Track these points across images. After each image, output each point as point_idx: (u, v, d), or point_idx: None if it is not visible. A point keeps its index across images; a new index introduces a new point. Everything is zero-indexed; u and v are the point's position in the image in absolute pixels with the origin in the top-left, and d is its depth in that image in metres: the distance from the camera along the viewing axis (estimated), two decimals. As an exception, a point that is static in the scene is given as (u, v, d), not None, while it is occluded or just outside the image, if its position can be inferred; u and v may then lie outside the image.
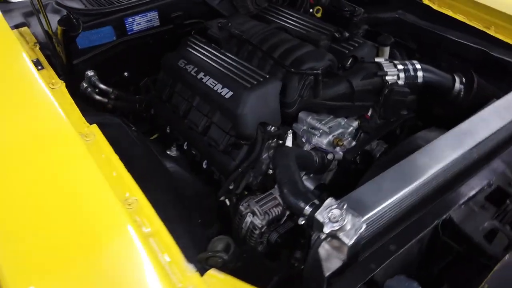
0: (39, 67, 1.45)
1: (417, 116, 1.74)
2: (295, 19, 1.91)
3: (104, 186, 0.99)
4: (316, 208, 1.02)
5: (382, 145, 1.59)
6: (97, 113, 1.63)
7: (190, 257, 0.96)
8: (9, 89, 1.27)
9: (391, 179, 1.07)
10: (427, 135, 1.40)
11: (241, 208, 1.49)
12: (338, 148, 1.49)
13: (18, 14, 1.77)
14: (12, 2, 1.86)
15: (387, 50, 1.76)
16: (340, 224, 0.94)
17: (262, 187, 1.58)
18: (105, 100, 1.79)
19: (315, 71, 1.45)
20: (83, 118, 1.27)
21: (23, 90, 1.27)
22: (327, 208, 0.97)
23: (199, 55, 1.68)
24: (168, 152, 1.70)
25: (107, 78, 1.85)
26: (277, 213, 1.45)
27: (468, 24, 1.87)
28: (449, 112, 1.69)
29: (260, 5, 2.08)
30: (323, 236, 0.95)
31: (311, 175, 1.54)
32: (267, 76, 1.48)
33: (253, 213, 1.45)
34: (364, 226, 0.94)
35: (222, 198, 1.53)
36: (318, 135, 1.48)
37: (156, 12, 1.87)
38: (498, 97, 1.42)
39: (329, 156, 1.44)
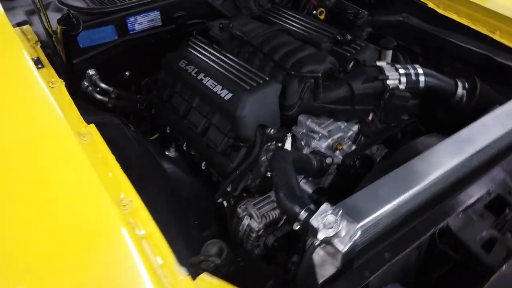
0: (39, 66, 1.45)
1: (419, 120, 1.72)
2: (297, 20, 1.90)
3: (98, 187, 0.98)
4: (311, 213, 1.01)
5: (382, 149, 1.57)
6: (97, 112, 1.62)
7: (183, 261, 0.96)
8: (7, 87, 1.27)
9: (388, 186, 1.06)
10: (427, 140, 1.39)
11: (239, 210, 1.48)
12: (337, 152, 1.48)
13: (20, 12, 1.77)
14: (15, -1, 1.86)
15: (389, 53, 1.75)
16: (335, 230, 0.93)
17: (260, 190, 1.57)
18: (106, 99, 1.79)
19: (315, 74, 1.44)
20: (81, 118, 1.26)
21: (21, 89, 1.28)
22: (322, 214, 0.97)
23: (200, 56, 1.68)
24: (167, 153, 1.70)
25: (109, 77, 1.85)
26: (274, 217, 1.44)
27: (472, 29, 1.85)
28: (452, 117, 1.68)
29: (263, 6, 2.08)
30: (317, 242, 0.94)
31: (310, 178, 1.53)
32: (267, 79, 1.48)
33: (250, 216, 1.44)
34: (359, 233, 0.93)
35: (219, 200, 1.52)
36: (317, 138, 1.47)
37: (158, 12, 1.86)
38: (501, 103, 1.40)
39: (328, 160, 1.43)
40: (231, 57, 1.63)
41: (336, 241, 0.93)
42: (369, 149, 1.54)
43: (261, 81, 1.46)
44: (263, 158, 1.51)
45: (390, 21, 2.11)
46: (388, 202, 1.00)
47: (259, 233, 1.43)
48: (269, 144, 1.50)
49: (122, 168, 1.10)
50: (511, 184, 1.17)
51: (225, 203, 1.55)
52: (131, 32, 1.84)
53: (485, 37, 1.81)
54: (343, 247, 0.92)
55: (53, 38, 1.48)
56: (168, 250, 0.93)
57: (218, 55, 1.65)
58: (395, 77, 1.49)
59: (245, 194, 1.59)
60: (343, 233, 0.93)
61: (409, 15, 2.06)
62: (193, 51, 1.71)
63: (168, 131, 1.82)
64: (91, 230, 0.90)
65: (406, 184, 1.05)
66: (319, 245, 0.95)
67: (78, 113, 1.28)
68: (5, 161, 1.05)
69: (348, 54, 1.66)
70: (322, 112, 1.54)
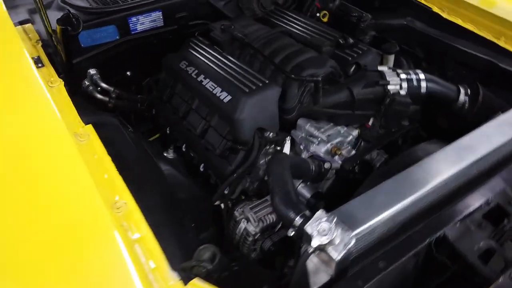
0: (40, 65, 1.45)
1: (420, 126, 1.71)
2: (300, 23, 1.88)
3: (91, 189, 0.98)
4: (306, 219, 1.00)
5: (382, 155, 1.56)
6: (96, 112, 1.62)
7: (176, 265, 0.95)
8: (5, 86, 1.27)
9: (384, 193, 1.04)
10: (428, 147, 1.37)
11: (236, 213, 1.48)
12: (336, 157, 1.47)
13: (23, 10, 1.78)
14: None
15: (391, 58, 1.73)
16: (329, 238, 0.92)
17: (258, 193, 1.56)
18: (106, 99, 1.78)
19: (315, 78, 1.43)
20: (79, 118, 1.26)
21: (20, 88, 1.27)
22: (316, 221, 0.96)
23: (200, 57, 1.67)
24: (165, 154, 1.70)
25: (110, 77, 1.84)
26: (271, 221, 1.43)
27: (477, 34, 1.83)
28: (453, 124, 1.66)
29: (266, 7, 2.07)
30: (310, 250, 0.93)
31: (308, 183, 1.52)
32: (267, 82, 1.47)
33: (247, 220, 1.43)
34: (353, 241, 0.92)
35: (217, 203, 1.51)
36: (316, 143, 1.46)
37: (160, 12, 1.86)
38: (504, 110, 1.38)
39: (326, 165, 1.42)
40: (232, 59, 1.62)
41: (330, 249, 0.92)
42: (369, 155, 1.53)
43: (260, 84, 1.45)
44: (262, 161, 1.50)
45: (394, 24, 2.09)
46: (384, 210, 0.99)
47: (256, 237, 1.42)
48: (268, 147, 1.49)
49: (118, 170, 1.10)
50: (511, 194, 1.15)
51: (222, 206, 1.54)
52: (132, 32, 1.83)
53: (490, 43, 1.78)
54: (337, 255, 0.91)
55: (53, 38, 1.48)
56: (160, 254, 0.92)
57: (219, 57, 1.64)
58: (396, 82, 1.48)
59: (243, 197, 1.59)
60: (337, 241, 0.92)
61: (414, 19, 2.04)
62: (194, 52, 1.70)
63: (168, 131, 1.82)
64: (83, 233, 0.90)
65: (403, 192, 1.04)
66: (313, 252, 0.94)
67: (76, 113, 1.28)
68: (-2, 161, 1.04)
69: (350, 58, 1.64)
70: (321, 116, 1.53)
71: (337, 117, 1.54)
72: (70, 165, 1.04)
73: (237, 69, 1.56)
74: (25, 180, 1.00)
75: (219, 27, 1.75)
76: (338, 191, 1.54)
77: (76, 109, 1.30)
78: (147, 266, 0.90)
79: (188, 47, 1.74)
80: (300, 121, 1.51)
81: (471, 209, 1.09)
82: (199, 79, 1.57)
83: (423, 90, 1.50)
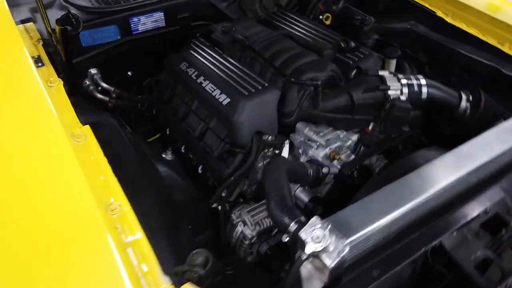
0: (40, 64, 1.46)
1: (422, 132, 1.69)
2: (302, 26, 1.88)
3: (85, 190, 0.97)
4: (301, 225, 1.00)
5: (382, 160, 1.54)
6: (96, 112, 1.62)
7: (169, 269, 0.95)
8: (4, 85, 1.27)
9: (381, 200, 1.03)
10: (427, 154, 1.36)
11: (233, 216, 1.47)
12: (335, 162, 1.46)
13: (25, 9, 1.78)
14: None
15: (393, 62, 1.72)
16: (323, 245, 0.91)
17: (256, 196, 1.55)
18: (107, 98, 1.78)
19: (314, 82, 1.42)
20: (77, 118, 1.26)
21: (18, 88, 1.27)
22: (311, 227, 0.95)
23: (201, 58, 1.67)
24: (163, 156, 1.69)
25: (111, 76, 1.84)
26: (268, 224, 1.43)
27: (481, 39, 1.81)
28: (455, 130, 1.64)
29: (269, 9, 2.06)
30: (304, 256, 0.93)
31: (307, 187, 1.51)
32: (266, 85, 1.46)
33: (244, 223, 1.43)
34: (347, 249, 0.91)
35: (214, 205, 1.51)
36: (315, 147, 1.45)
37: (162, 13, 1.85)
38: (506, 117, 1.36)
39: (324, 170, 1.41)
40: (232, 61, 1.62)
41: (324, 256, 0.91)
42: (368, 160, 1.51)
43: (260, 87, 1.45)
44: (260, 164, 1.49)
45: (398, 28, 2.08)
46: (380, 217, 0.98)
47: (252, 241, 1.42)
48: (266, 150, 1.48)
49: (114, 172, 1.09)
50: (510, 204, 1.14)
51: (220, 208, 1.54)
52: (134, 33, 1.83)
53: (494, 48, 1.77)
54: (330, 262, 0.90)
55: (53, 37, 1.48)
56: (153, 258, 0.92)
57: (219, 58, 1.63)
58: (397, 88, 1.46)
59: (241, 200, 1.58)
60: (331, 248, 0.91)
61: (417, 23, 2.03)
62: (194, 53, 1.70)
63: (167, 132, 1.82)
64: (74, 235, 0.89)
65: (400, 200, 1.03)
66: (306, 258, 0.93)
67: (74, 114, 1.27)
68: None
69: (351, 62, 1.63)
70: (321, 120, 1.52)
71: (336, 122, 1.52)
72: (65, 166, 1.03)
73: (237, 71, 1.55)
74: (18, 180, 1.00)
75: (220, 29, 1.74)
76: (337, 195, 1.53)
77: (75, 109, 1.30)
78: (139, 269, 0.89)
79: (189, 48, 1.74)
80: (299, 125, 1.50)
81: (469, 218, 1.08)
82: (199, 80, 1.57)
83: (424, 95, 1.48)
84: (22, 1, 1.83)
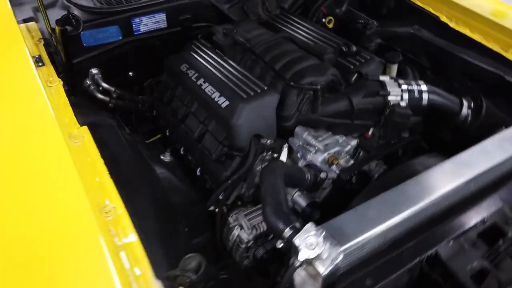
0: (40, 64, 1.46)
1: (423, 138, 1.68)
2: (304, 29, 1.87)
3: (79, 192, 0.97)
4: (295, 231, 0.99)
5: (381, 166, 1.53)
6: (95, 112, 1.62)
7: (162, 273, 0.94)
8: (3, 85, 1.27)
9: (377, 208, 1.02)
10: (426, 161, 1.35)
11: (230, 220, 1.47)
12: (334, 167, 1.45)
13: (28, 8, 1.79)
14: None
15: (394, 67, 1.71)
16: (317, 252, 0.90)
17: (254, 200, 1.55)
18: (107, 99, 1.79)
19: (314, 86, 1.41)
20: (75, 119, 1.26)
21: (17, 87, 1.27)
22: (305, 234, 0.94)
23: (201, 60, 1.66)
24: (162, 157, 1.69)
25: (112, 77, 1.85)
26: (265, 228, 1.42)
27: (485, 46, 1.80)
28: (455, 137, 1.63)
29: (271, 12, 2.05)
30: (297, 263, 0.92)
31: (305, 191, 1.50)
32: (265, 88, 1.45)
33: (241, 227, 1.42)
34: (341, 257, 0.90)
35: (211, 208, 1.50)
36: (313, 152, 1.44)
37: (164, 14, 1.85)
38: (508, 125, 1.35)
39: (322, 175, 1.40)
40: (232, 63, 1.62)
41: (317, 263, 0.90)
42: (368, 165, 1.50)
43: (259, 90, 1.44)
44: (258, 168, 1.48)
45: (401, 32, 2.07)
46: (376, 225, 0.97)
47: (249, 245, 1.41)
48: (265, 154, 1.48)
49: (111, 173, 1.09)
50: (509, 213, 1.13)
51: (217, 211, 1.53)
52: (135, 33, 1.83)
53: (497, 55, 1.75)
54: (323, 270, 0.89)
55: (53, 37, 1.48)
56: (146, 261, 0.91)
57: (220, 61, 1.63)
58: (397, 93, 1.45)
59: (239, 203, 1.57)
60: (325, 256, 0.90)
61: (421, 28, 2.01)
62: (195, 55, 1.70)
63: (167, 134, 1.82)
64: (66, 238, 0.89)
65: (396, 207, 1.01)
66: (300, 265, 0.93)
67: (72, 114, 1.27)
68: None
69: (352, 66, 1.62)
70: (320, 125, 1.51)
71: (336, 126, 1.51)
72: (60, 168, 1.03)
73: (237, 74, 1.55)
74: (11, 180, 0.99)
75: (221, 31, 1.74)
76: (335, 201, 1.52)
77: (74, 109, 1.30)
78: (132, 273, 0.89)
79: (189, 50, 1.74)
80: (298, 129, 1.50)
81: (466, 227, 1.07)
82: (198, 82, 1.57)
83: (425, 102, 1.47)
84: (25, 0, 1.83)
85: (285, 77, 1.48)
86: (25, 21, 1.70)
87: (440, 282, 1.05)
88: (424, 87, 1.48)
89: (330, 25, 2.10)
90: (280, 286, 0.99)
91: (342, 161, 1.46)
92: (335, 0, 2.15)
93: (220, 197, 1.48)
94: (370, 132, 1.53)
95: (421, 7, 2.02)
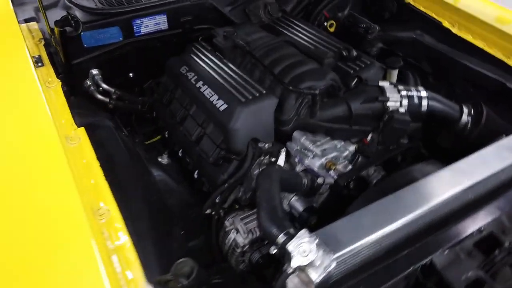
0: (39, 64, 1.46)
1: (423, 144, 1.67)
2: (305, 32, 1.86)
3: (73, 194, 0.97)
4: (289, 238, 0.98)
5: (379, 171, 1.52)
6: (95, 113, 1.63)
7: (154, 277, 0.94)
8: (1, 85, 1.27)
9: (372, 215, 1.01)
10: (424, 168, 1.33)
11: (226, 223, 1.46)
12: (331, 172, 1.44)
13: (30, 8, 1.79)
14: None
15: (394, 73, 1.70)
16: (309, 259, 0.90)
17: (251, 203, 1.54)
18: (107, 99, 1.79)
19: (312, 91, 1.41)
20: (72, 120, 1.26)
21: (15, 88, 1.27)
22: (299, 240, 0.94)
23: (201, 63, 1.66)
24: (159, 159, 1.69)
25: (113, 78, 1.85)
26: (261, 233, 1.41)
27: (487, 52, 1.78)
28: (456, 144, 1.62)
29: (273, 15, 2.05)
30: (290, 270, 0.91)
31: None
32: (264, 92, 1.45)
33: (237, 230, 1.42)
34: (334, 264, 0.89)
35: (207, 212, 1.50)
36: (311, 156, 1.43)
37: (165, 16, 1.85)
38: (508, 133, 1.34)
39: (319, 180, 1.39)
40: (232, 67, 1.61)
41: (310, 270, 0.90)
42: (366, 171, 1.49)
43: (257, 94, 1.44)
44: (256, 172, 1.48)
45: (403, 37, 2.06)
46: (370, 233, 0.96)
47: (244, 249, 1.40)
48: (262, 158, 1.47)
49: (106, 175, 1.08)
50: (507, 223, 1.11)
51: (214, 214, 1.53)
52: (136, 35, 1.83)
53: (499, 61, 1.74)
54: (316, 277, 0.89)
55: (52, 38, 1.48)
56: (138, 265, 0.91)
57: (219, 63, 1.63)
58: (396, 99, 1.44)
59: (237, 206, 1.57)
60: (318, 263, 0.90)
61: (423, 33, 2.00)
62: (195, 57, 1.70)
63: (166, 135, 1.82)
64: (57, 240, 0.88)
65: (392, 215, 1.01)
66: (292, 272, 0.92)
67: (70, 115, 1.27)
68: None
69: (352, 71, 1.62)
70: (318, 129, 1.50)
71: (334, 131, 1.51)
72: (54, 169, 1.03)
73: (236, 77, 1.54)
74: (4, 181, 0.99)
75: (222, 33, 1.73)
76: (333, 206, 1.51)
77: (73, 110, 1.30)
78: (123, 276, 0.89)
79: (190, 52, 1.74)
80: (296, 134, 1.49)
81: (462, 236, 1.06)
82: (197, 85, 1.57)
83: (424, 108, 1.46)
84: (27, 0, 1.84)
85: (284, 81, 1.47)
86: (26, 21, 1.71)
87: (436, 291, 1.04)
88: (423, 93, 1.47)
89: (332, 29, 2.09)
90: (273, 293, 0.98)
91: (340, 167, 1.45)
92: (337, 4, 2.15)
93: (217, 201, 1.47)
94: (369, 138, 1.52)
95: (424, 12, 2.01)
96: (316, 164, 1.41)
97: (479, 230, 1.07)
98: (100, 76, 1.79)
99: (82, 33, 1.62)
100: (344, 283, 0.95)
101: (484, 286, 1.01)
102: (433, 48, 1.94)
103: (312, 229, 0.95)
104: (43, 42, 1.58)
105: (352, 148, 1.51)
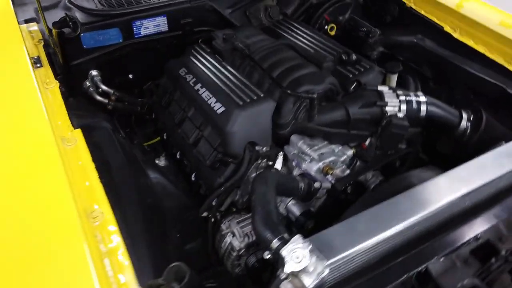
0: (38, 65, 1.46)
1: (422, 149, 1.66)
2: (305, 36, 1.86)
3: (66, 196, 0.96)
4: (283, 243, 0.98)
5: (377, 176, 1.51)
6: (93, 114, 1.63)
7: (147, 281, 0.93)
8: (-2, 86, 1.27)
9: (367, 221, 1.00)
10: (422, 174, 1.32)
11: (222, 226, 1.45)
12: (329, 176, 1.43)
13: (30, 8, 1.80)
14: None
15: (394, 77, 1.69)
16: (303, 265, 0.89)
17: (248, 207, 1.53)
18: (106, 101, 1.79)
19: (310, 95, 1.40)
20: (69, 122, 1.26)
21: (12, 88, 1.27)
22: (293, 246, 0.93)
23: (200, 65, 1.66)
24: (157, 162, 1.69)
25: (112, 79, 1.85)
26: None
27: (488, 57, 1.77)
28: (455, 150, 1.61)
29: (274, 17, 2.05)
30: (283, 276, 0.91)
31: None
32: (262, 95, 1.44)
33: (233, 234, 1.41)
34: (327, 271, 0.89)
35: (204, 215, 1.49)
36: (308, 161, 1.42)
37: (165, 18, 1.85)
38: (508, 139, 1.32)
39: (316, 185, 1.38)
40: (231, 69, 1.61)
41: (303, 276, 0.89)
42: (364, 176, 1.48)
43: (255, 97, 1.43)
44: (253, 175, 1.47)
45: (404, 41, 2.05)
46: (365, 239, 0.95)
47: (240, 253, 1.39)
48: (260, 161, 1.46)
49: (101, 178, 1.08)
50: (504, 231, 1.10)
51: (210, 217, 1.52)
52: (136, 36, 1.83)
53: (500, 67, 1.73)
54: (309, 283, 0.88)
55: (50, 39, 1.49)
56: (130, 269, 0.90)
57: (218, 66, 1.63)
58: (395, 104, 1.43)
59: (234, 209, 1.56)
60: (311, 269, 0.89)
61: (424, 37, 1.99)
62: (194, 59, 1.70)
63: (165, 137, 1.81)
64: (49, 243, 0.88)
65: (387, 221, 0.99)
66: (285, 278, 0.92)
67: (67, 117, 1.27)
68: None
69: (351, 75, 1.61)
70: (316, 134, 1.50)
71: (332, 136, 1.50)
72: (49, 171, 1.02)
73: (234, 80, 1.54)
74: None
75: (221, 36, 1.73)
76: (330, 210, 1.50)
77: (70, 111, 1.30)
78: (115, 280, 0.88)
79: (189, 54, 1.74)
80: (293, 138, 1.48)
81: (458, 243, 1.05)
82: (196, 87, 1.56)
83: (423, 113, 1.45)
84: (28, 0, 1.84)
85: (282, 85, 1.47)
86: (26, 21, 1.71)
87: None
88: (422, 98, 1.46)
89: (332, 33, 2.09)
90: (265, 299, 0.98)
91: (337, 171, 1.44)
92: (338, 7, 2.14)
93: (214, 204, 1.47)
94: (367, 142, 1.51)
95: (425, 16, 2.00)
96: (313, 168, 1.41)
97: (476, 238, 1.06)
98: (100, 77, 1.79)
99: (81, 34, 1.62)
100: (341, 288, 0.94)
101: (480, 295, 1.00)
102: (434, 52, 1.93)
103: (308, 234, 0.95)
104: (42, 43, 1.58)
105: (350, 152, 1.50)
